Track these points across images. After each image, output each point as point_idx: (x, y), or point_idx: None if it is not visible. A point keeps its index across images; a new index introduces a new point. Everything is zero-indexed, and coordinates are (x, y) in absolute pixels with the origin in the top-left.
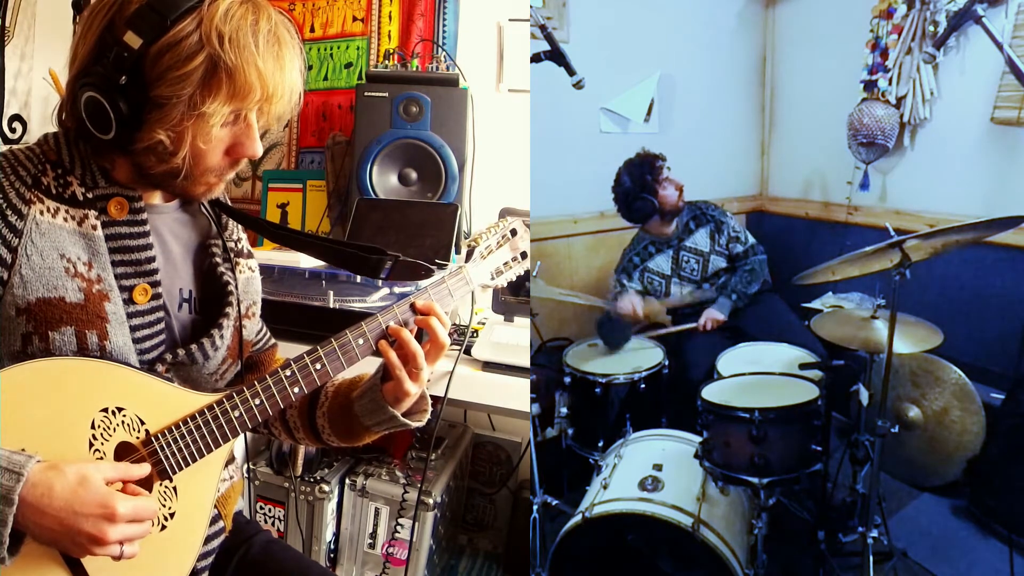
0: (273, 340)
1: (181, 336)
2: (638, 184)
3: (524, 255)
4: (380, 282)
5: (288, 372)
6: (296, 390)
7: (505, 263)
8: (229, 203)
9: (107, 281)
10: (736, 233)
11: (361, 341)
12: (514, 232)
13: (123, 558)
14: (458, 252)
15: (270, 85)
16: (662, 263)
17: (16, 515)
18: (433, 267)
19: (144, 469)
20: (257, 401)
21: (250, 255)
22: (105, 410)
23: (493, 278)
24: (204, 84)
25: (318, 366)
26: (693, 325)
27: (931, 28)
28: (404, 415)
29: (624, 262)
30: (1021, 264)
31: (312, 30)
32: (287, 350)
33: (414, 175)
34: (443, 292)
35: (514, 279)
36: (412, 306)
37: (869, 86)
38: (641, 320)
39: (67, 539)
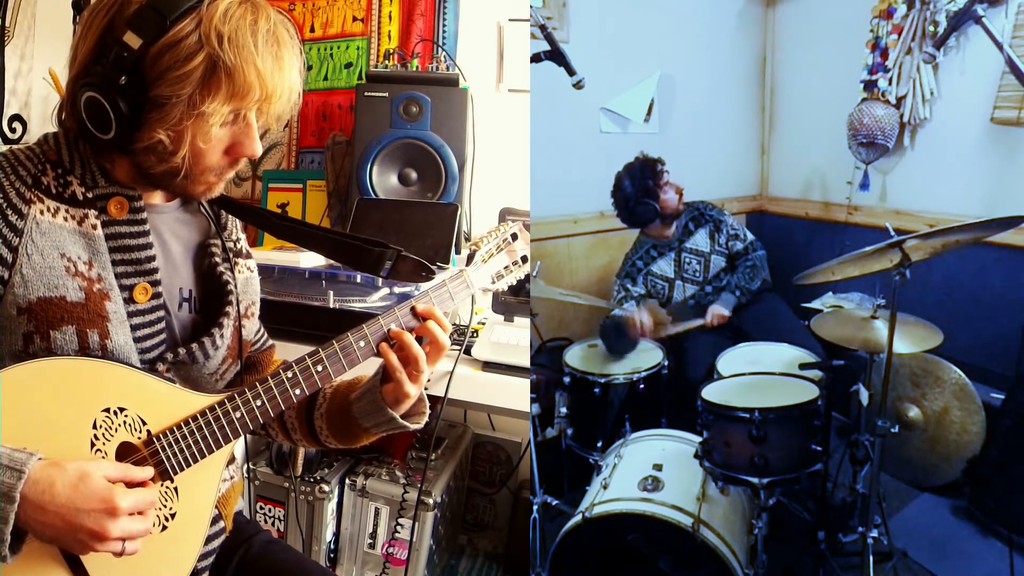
0: (271, 341)
1: (181, 335)
2: (639, 189)
3: (524, 259)
4: (380, 282)
5: (289, 373)
6: (297, 391)
7: (506, 267)
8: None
9: (107, 280)
10: (735, 231)
11: (362, 343)
12: (515, 236)
13: (125, 554)
14: (458, 252)
15: (269, 85)
16: (664, 266)
17: (18, 512)
18: (434, 268)
19: (147, 472)
20: (259, 402)
21: (249, 255)
22: (107, 410)
23: (494, 282)
24: (203, 84)
25: (319, 368)
26: (700, 322)
27: (931, 28)
28: (403, 417)
29: (627, 266)
30: (1021, 264)
31: (312, 30)
32: (287, 350)
33: (414, 175)
34: (444, 296)
35: (514, 283)
36: (412, 309)
37: (869, 86)
38: (641, 336)
39: (69, 535)
